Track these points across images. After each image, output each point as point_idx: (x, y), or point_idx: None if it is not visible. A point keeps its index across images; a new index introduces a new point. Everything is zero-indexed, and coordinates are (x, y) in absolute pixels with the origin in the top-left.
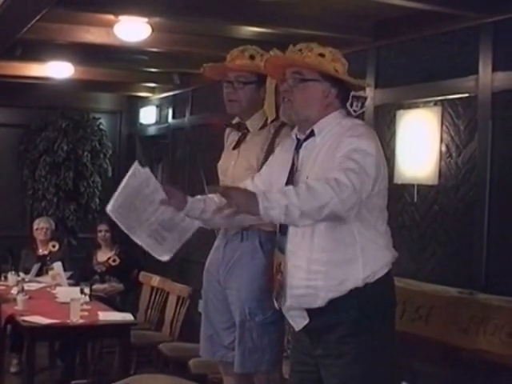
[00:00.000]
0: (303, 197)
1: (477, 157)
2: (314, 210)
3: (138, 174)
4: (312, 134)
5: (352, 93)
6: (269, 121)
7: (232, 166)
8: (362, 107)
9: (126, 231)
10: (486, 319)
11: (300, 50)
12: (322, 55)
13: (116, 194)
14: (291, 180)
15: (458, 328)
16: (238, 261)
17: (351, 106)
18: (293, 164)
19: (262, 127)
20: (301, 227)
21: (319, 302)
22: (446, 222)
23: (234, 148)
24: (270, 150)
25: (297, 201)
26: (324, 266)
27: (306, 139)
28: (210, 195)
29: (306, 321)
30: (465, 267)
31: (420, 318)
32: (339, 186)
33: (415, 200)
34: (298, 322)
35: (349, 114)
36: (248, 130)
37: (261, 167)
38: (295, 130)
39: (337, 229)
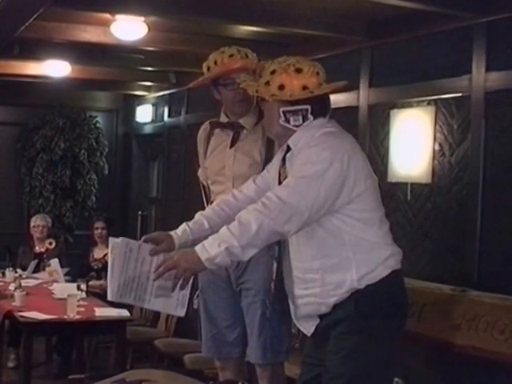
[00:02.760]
0: (237, 232)
1: (470, 156)
2: (251, 239)
3: (116, 246)
4: (290, 147)
5: (281, 109)
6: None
7: (230, 165)
8: (304, 119)
9: (135, 305)
10: (479, 316)
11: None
12: (282, 85)
13: (108, 281)
14: None
15: (451, 325)
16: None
17: (287, 122)
18: (279, 174)
19: (256, 124)
20: (247, 258)
21: (324, 309)
22: (438, 220)
23: (230, 147)
24: (269, 144)
25: (233, 239)
26: (317, 274)
27: (287, 152)
28: (197, 219)
29: (317, 322)
30: (457, 265)
31: (413, 315)
32: (265, 206)
33: (408, 198)
34: (308, 327)
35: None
36: (242, 128)
37: (264, 161)
38: None
39: (319, 236)
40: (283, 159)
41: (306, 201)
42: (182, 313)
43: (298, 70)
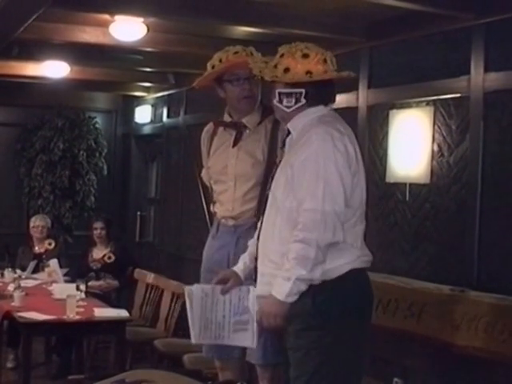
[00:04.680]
0: (300, 263)
1: (468, 156)
2: (314, 261)
3: (191, 294)
4: (290, 131)
5: (278, 90)
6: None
7: (232, 165)
8: (297, 102)
9: (216, 343)
10: (478, 317)
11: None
12: (288, 69)
13: (190, 325)
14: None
15: (450, 325)
16: None
17: (280, 103)
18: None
19: (259, 123)
20: (319, 276)
21: None
22: (437, 221)
23: (233, 146)
24: (272, 143)
25: (298, 270)
26: (281, 258)
27: (287, 136)
28: (250, 248)
29: None
30: (456, 265)
31: (412, 315)
32: (309, 227)
33: (407, 198)
34: None
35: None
36: (245, 128)
37: (267, 161)
38: None
39: (290, 226)
40: (283, 141)
41: (337, 203)
42: (255, 344)
43: (305, 56)
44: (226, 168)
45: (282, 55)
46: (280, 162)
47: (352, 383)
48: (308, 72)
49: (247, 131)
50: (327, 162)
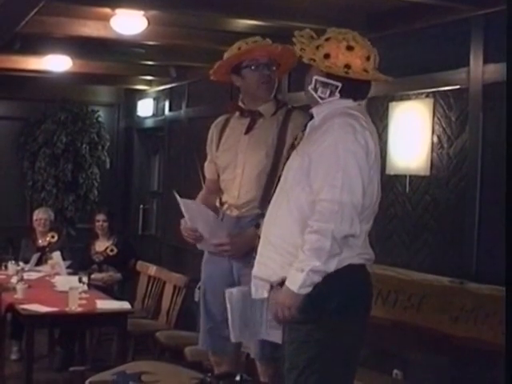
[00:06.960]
0: (314, 254)
1: (468, 148)
2: (329, 253)
3: (232, 297)
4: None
5: (315, 77)
6: None
7: (243, 152)
8: (331, 94)
9: (254, 339)
10: (477, 308)
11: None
12: (328, 54)
13: (230, 326)
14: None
15: (450, 316)
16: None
17: (315, 91)
18: (295, 138)
19: (273, 114)
20: (333, 268)
21: (274, 278)
22: (437, 213)
23: (245, 133)
24: (282, 135)
25: (312, 260)
26: (280, 242)
27: (310, 119)
28: None
29: (265, 295)
30: (456, 257)
31: (412, 306)
32: (327, 217)
33: (407, 190)
34: (259, 291)
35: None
36: (260, 115)
37: (275, 150)
38: None
39: (296, 212)
40: (305, 124)
41: (355, 195)
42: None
43: (350, 48)
44: (236, 155)
45: (327, 39)
46: (298, 144)
47: (344, 379)
48: (347, 65)
49: (261, 120)
50: (347, 153)
